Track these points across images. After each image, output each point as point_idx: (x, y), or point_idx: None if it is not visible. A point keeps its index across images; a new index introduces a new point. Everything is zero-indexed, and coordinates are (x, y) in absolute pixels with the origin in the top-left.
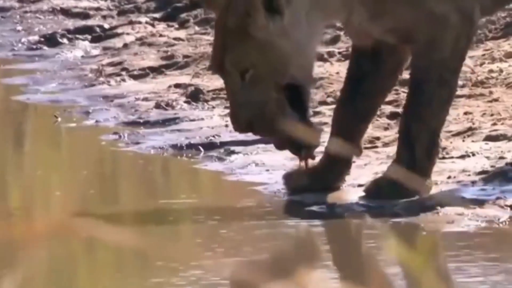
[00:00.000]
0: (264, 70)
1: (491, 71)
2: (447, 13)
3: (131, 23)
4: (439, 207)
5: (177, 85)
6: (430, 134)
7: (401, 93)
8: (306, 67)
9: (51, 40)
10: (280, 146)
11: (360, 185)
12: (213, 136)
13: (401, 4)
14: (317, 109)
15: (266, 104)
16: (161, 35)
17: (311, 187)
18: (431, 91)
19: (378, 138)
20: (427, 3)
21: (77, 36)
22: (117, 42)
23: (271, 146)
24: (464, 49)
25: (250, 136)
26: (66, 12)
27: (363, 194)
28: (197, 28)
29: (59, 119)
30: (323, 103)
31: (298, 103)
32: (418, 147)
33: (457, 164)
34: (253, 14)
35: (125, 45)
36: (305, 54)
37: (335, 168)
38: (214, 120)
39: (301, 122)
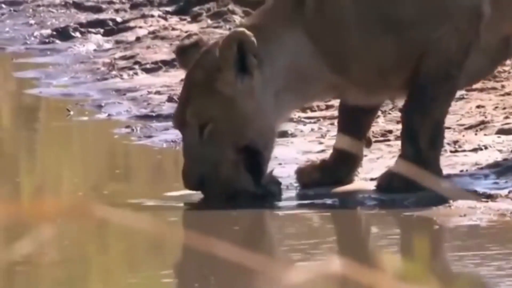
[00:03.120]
0: (223, 127)
1: (503, 64)
2: (451, 31)
3: (143, 16)
4: (451, 201)
5: None
6: (434, 124)
7: None
8: (267, 133)
9: (63, 34)
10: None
11: (372, 179)
12: None
13: (404, 57)
14: (330, 103)
15: (220, 163)
16: (173, 29)
17: (324, 182)
18: (438, 86)
19: (390, 131)
20: (429, 36)
21: (90, 29)
22: (129, 36)
23: (283, 140)
24: (470, 44)
25: None
26: (79, 6)
27: (375, 187)
28: (209, 21)
29: (72, 112)
30: None
31: (253, 168)
32: (422, 138)
33: (470, 157)
34: (223, 69)
35: (138, 39)
36: (267, 120)
37: (346, 162)
38: None
39: (255, 186)
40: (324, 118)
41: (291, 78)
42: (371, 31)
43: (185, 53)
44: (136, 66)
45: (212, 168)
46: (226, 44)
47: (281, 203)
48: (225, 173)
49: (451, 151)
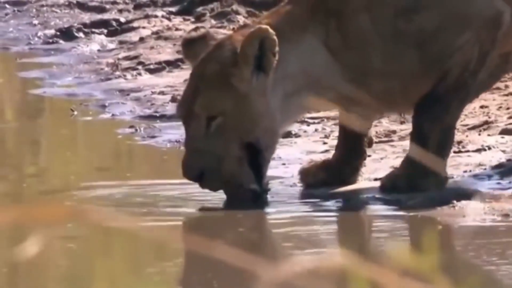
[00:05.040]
0: (233, 122)
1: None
2: (472, 40)
3: (147, 17)
4: (455, 201)
5: None
6: (444, 129)
7: None
8: (271, 134)
9: (67, 34)
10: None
11: (376, 179)
12: None
13: (426, 69)
14: None
15: (224, 157)
16: (177, 29)
17: (328, 182)
18: (453, 94)
19: (394, 132)
20: (451, 46)
21: (93, 30)
22: (133, 36)
23: (287, 140)
24: (487, 53)
25: None
26: (82, 6)
27: (379, 188)
28: (213, 21)
29: (76, 112)
30: None
31: (254, 166)
32: (430, 142)
33: (473, 158)
34: (242, 65)
35: (141, 39)
36: (274, 121)
37: (350, 162)
38: None
39: (256, 182)
40: (328, 118)
41: (302, 83)
42: (392, 47)
43: (192, 46)
44: (140, 67)
45: (215, 161)
46: (249, 40)
47: (285, 204)
48: (228, 167)
49: (454, 152)
